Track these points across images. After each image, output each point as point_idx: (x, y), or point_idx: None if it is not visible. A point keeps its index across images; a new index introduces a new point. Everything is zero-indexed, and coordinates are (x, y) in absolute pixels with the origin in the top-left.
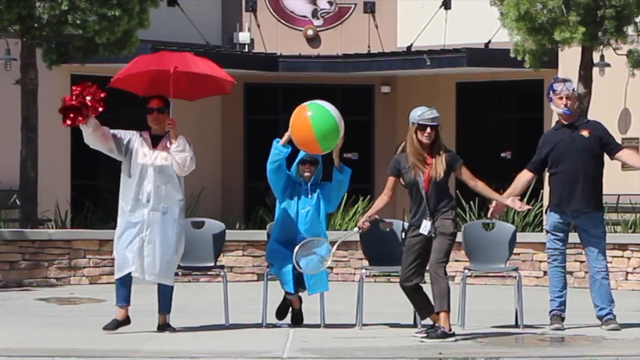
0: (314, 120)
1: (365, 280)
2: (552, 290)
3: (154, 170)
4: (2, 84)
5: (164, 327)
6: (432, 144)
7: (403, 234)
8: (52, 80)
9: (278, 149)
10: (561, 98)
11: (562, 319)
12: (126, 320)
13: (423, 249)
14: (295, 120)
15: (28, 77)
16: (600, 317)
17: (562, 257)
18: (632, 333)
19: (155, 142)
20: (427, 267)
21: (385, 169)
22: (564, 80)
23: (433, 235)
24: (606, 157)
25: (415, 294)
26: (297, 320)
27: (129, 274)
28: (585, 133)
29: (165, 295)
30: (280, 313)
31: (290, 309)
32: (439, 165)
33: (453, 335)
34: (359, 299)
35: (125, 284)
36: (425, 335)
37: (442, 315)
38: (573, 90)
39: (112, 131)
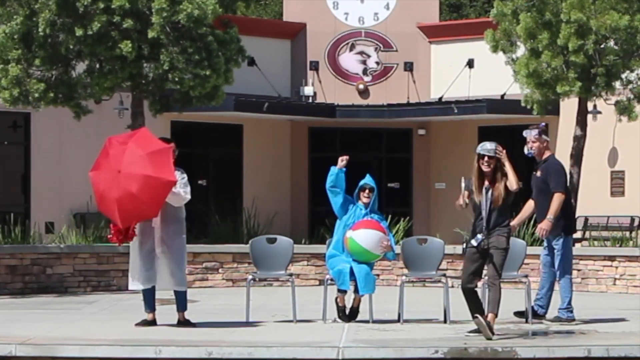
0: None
1: (405, 285)
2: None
3: None
4: (117, 128)
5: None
6: (493, 171)
7: (464, 244)
8: (156, 125)
9: (331, 170)
10: (527, 143)
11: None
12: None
13: (480, 258)
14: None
15: (137, 123)
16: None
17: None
18: (619, 327)
19: None
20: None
21: (420, 196)
22: (529, 128)
23: (486, 247)
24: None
25: (471, 295)
26: (353, 315)
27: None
28: (538, 173)
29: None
30: (347, 317)
31: (350, 306)
32: (497, 190)
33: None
34: (400, 300)
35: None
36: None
37: (491, 315)
38: (535, 135)
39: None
